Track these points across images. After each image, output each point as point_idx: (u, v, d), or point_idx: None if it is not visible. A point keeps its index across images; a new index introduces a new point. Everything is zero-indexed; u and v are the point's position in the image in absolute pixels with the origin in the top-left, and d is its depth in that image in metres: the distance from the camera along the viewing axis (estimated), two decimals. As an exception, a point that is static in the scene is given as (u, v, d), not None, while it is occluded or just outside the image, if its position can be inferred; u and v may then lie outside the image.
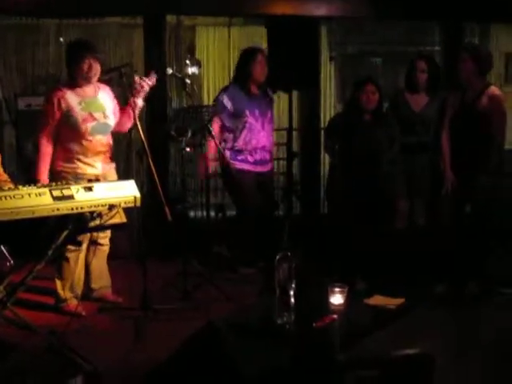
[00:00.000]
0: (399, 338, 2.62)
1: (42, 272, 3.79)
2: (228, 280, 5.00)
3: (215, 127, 5.02)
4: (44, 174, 4.21)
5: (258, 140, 5.23)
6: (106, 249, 4.58)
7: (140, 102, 4.40)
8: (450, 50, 6.06)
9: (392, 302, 3.08)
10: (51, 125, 4.24)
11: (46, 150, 4.25)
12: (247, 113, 5.18)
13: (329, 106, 6.95)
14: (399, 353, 2.41)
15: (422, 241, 4.93)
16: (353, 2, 5.88)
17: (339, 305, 2.92)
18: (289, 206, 5.33)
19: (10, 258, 4.77)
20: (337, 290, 2.93)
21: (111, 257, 4.66)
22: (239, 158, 5.21)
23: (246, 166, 5.21)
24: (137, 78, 4.35)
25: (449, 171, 4.77)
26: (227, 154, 5.14)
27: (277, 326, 2.76)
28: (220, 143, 5.01)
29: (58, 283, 4.40)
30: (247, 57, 5.23)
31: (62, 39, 6.41)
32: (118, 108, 4.49)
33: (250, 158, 5.23)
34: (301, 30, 5.09)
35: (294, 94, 5.49)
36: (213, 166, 5.22)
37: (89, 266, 4.50)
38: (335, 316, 2.84)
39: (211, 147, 5.10)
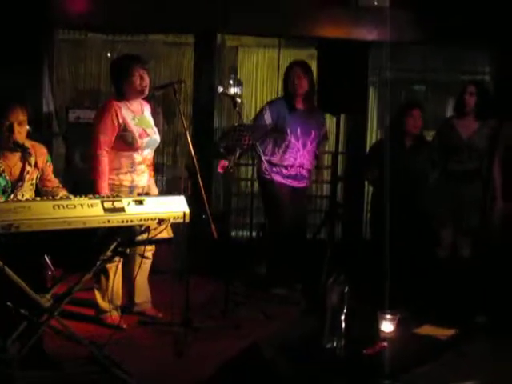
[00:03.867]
0: (453, 369, 2.57)
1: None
2: (264, 300, 4.97)
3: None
4: (105, 190, 4.18)
5: (295, 159, 5.23)
6: (149, 263, 4.59)
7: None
8: (501, 78, 6.00)
9: (442, 333, 3.02)
10: (109, 138, 4.23)
11: (104, 165, 4.22)
12: (288, 131, 5.17)
13: (369, 132, 6.91)
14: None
15: (464, 271, 4.85)
16: (404, 26, 5.87)
17: (390, 332, 2.87)
18: (331, 230, 5.28)
19: (52, 268, 4.82)
20: (388, 317, 2.88)
21: (152, 271, 4.67)
22: (274, 169, 5.19)
23: (279, 178, 5.21)
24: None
25: (500, 201, 4.71)
26: (263, 165, 5.13)
27: (326, 350, 2.72)
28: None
29: (98, 294, 4.41)
30: (286, 71, 5.31)
31: (109, 54, 6.50)
32: None
33: (284, 171, 5.22)
34: (351, 54, 5.09)
35: (341, 117, 5.47)
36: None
37: (133, 279, 4.50)
38: (385, 343, 2.79)
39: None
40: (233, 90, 7.13)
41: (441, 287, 4.79)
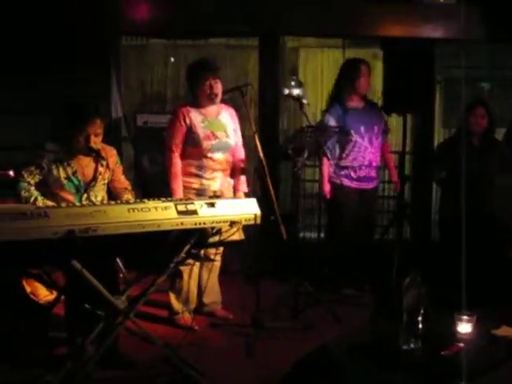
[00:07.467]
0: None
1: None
2: (332, 301, 4.91)
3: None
4: (179, 192, 4.26)
5: (364, 157, 5.16)
6: (218, 264, 4.63)
7: None
8: None
9: (521, 334, 2.95)
10: (178, 140, 4.32)
11: (177, 168, 4.31)
12: (352, 132, 5.11)
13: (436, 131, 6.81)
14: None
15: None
16: (469, 24, 5.77)
17: (466, 334, 2.82)
18: (399, 230, 5.22)
19: (123, 270, 4.91)
20: (464, 318, 2.83)
21: (222, 272, 4.72)
22: (342, 172, 5.15)
23: (348, 182, 5.16)
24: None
25: None
26: (332, 168, 5.13)
27: (403, 352, 2.70)
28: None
29: (172, 296, 4.47)
30: (351, 69, 5.14)
31: (172, 59, 6.59)
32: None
33: (353, 174, 5.15)
34: (417, 52, 5.03)
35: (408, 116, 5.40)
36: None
37: (201, 280, 4.57)
38: (462, 345, 2.75)
39: (325, 167, 5.12)
40: (295, 92, 7.12)
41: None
